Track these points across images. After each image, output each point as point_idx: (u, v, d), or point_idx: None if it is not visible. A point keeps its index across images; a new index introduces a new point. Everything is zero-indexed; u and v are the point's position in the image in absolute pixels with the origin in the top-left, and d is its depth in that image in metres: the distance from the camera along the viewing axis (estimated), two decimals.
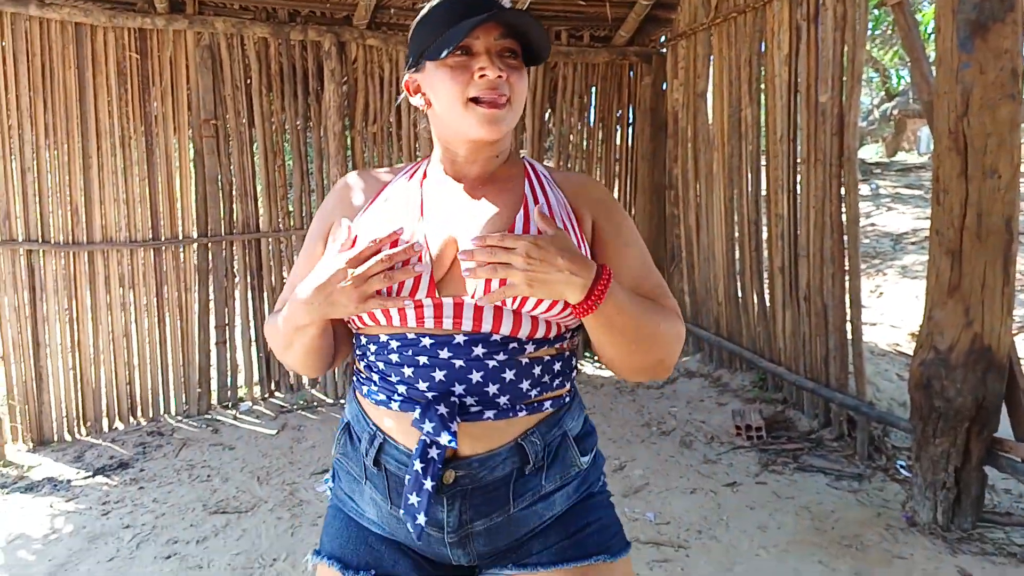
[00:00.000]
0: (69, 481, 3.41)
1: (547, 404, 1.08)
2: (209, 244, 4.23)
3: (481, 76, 1.04)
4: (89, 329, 3.96)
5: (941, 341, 2.63)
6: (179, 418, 4.16)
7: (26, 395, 3.82)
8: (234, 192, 4.28)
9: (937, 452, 2.72)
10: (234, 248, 4.31)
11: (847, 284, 3.39)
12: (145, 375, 4.12)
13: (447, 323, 1.03)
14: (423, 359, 1.04)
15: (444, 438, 1.00)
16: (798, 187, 3.67)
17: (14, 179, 3.74)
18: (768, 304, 4.04)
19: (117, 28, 3.89)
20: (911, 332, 5.06)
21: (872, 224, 8.32)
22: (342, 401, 4.37)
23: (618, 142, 5.11)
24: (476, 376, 1.03)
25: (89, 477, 3.44)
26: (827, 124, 3.36)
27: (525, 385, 1.05)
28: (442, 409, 1.01)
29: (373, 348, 1.09)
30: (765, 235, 4.09)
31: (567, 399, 1.12)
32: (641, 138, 5.07)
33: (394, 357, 1.06)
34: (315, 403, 4.35)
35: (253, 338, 4.38)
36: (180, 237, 4.15)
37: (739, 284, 4.31)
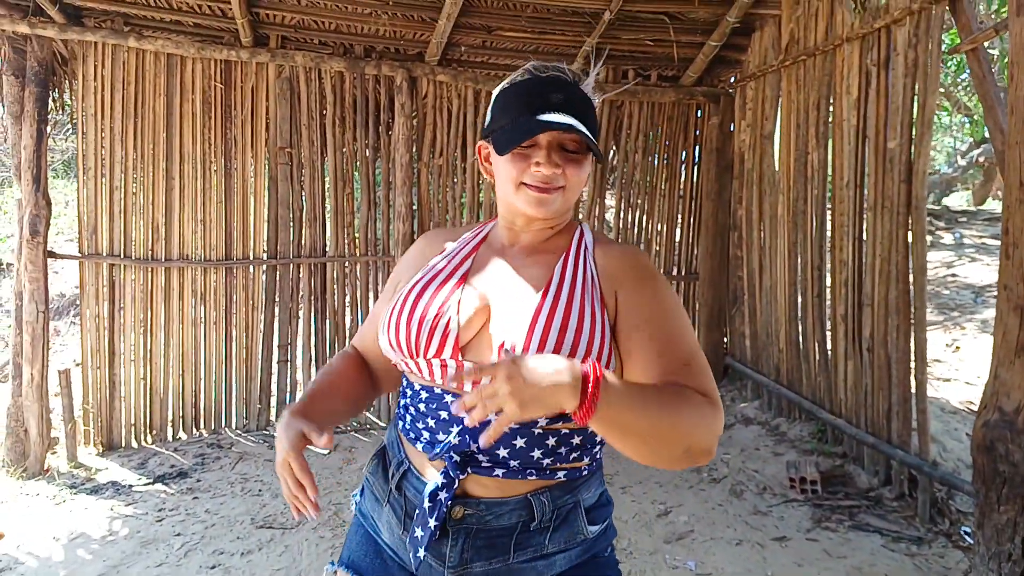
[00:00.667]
0: (131, 486, 3.57)
1: (560, 474, 1.11)
2: (277, 266, 4.41)
3: (536, 169, 1.11)
4: (161, 341, 4.17)
5: (1007, 402, 2.49)
6: (238, 432, 4.30)
7: (100, 401, 4.04)
8: (304, 217, 4.45)
9: (1002, 520, 2.55)
10: (300, 271, 4.47)
11: (913, 336, 3.26)
12: (210, 388, 4.30)
13: (468, 386, 1.08)
14: (444, 414, 1.11)
15: (442, 495, 1.07)
16: (864, 234, 3.56)
17: (103, 197, 4.01)
18: (830, 353, 3.90)
19: (204, 59, 4.14)
20: None
21: (954, 275, 7.94)
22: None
23: (683, 180, 5.09)
24: None
25: (149, 484, 3.60)
26: (895, 171, 3.27)
27: (537, 454, 1.08)
28: (456, 458, 1.08)
29: (410, 392, 1.17)
30: (828, 282, 3.97)
31: (584, 472, 1.13)
32: (706, 178, 5.03)
33: (422, 406, 1.14)
34: (368, 426, 4.43)
35: (314, 358, 4.51)
36: (251, 258, 4.34)
37: (800, 330, 4.18)
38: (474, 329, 1.10)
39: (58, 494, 3.49)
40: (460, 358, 1.09)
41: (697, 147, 5.06)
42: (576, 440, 1.11)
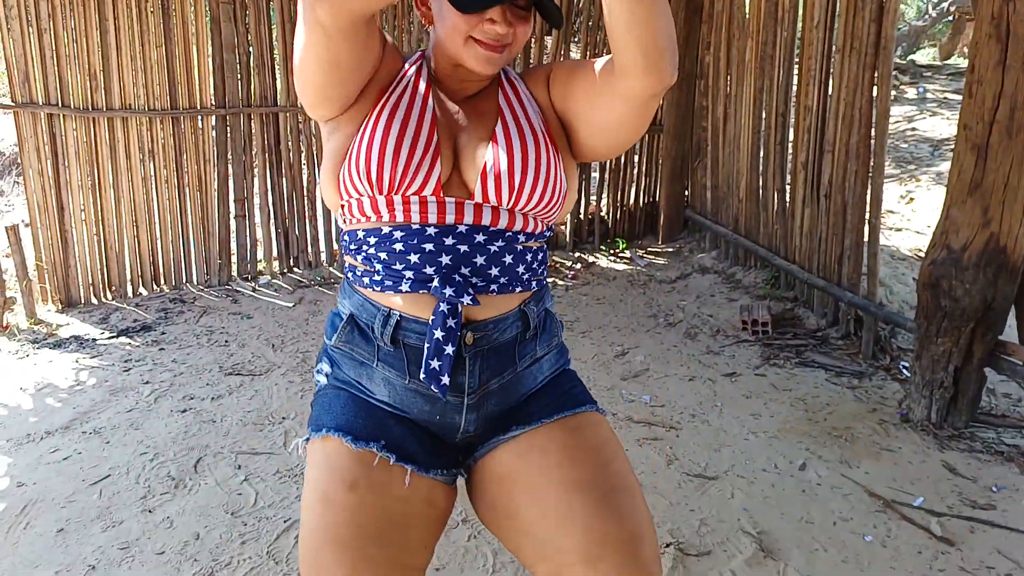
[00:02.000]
0: (94, 340, 3.57)
1: (533, 284, 1.22)
2: (227, 116, 4.22)
3: (490, 25, 1.07)
4: (111, 197, 4.04)
5: (955, 240, 2.58)
6: (200, 287, 4.28)
7: (53, 259, 3.95)
8: (252, 63, 4.22)
9: (939, 351, 2.71)
10: (252, 122, 4.29)
11: (870, 183, 3.30)
12: (167, 245, 4.22)
13: (449, 218, 1.11)
14: (429, 246, 1.10)
15: (466, 299, 1.09)
16: (831, 79, 3.51)
17: (31, 41, 3.72)
18: (788, 202, 3.96)
19: None
20: None
21: (914, 129, 7.99)
22: None
23: None
24: (480, 260, 1.12)
25: (113, 337, 3.60)
26: (866, 9, 3.17)
27: (520, 269, 1.17)
28: (458, 276, 1.10)
29: (373, 240, 1.13)
30: (791, 130, 3.96)
31: (545, 282, 1.28)
32: (675, 21, 4.84)
33: (398, 247, 1.11)
34: (332, 280, 4.44)
35: (272, 214, 4.43)
36: (199, 107, 4.14)
37: (761, 180, 4.21)
38: (449, 165, 1.12)
39: (20, 349, 3.48)
40: (441, 195, 1.11)
41: None
42: (540, 256, 1.24)
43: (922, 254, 4.69)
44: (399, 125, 1.09)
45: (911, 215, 5.69)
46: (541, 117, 1.18)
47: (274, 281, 4.39)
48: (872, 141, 3.27)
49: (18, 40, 3.69)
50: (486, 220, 1.12)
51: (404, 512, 1.07)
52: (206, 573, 1.98)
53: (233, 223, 4.38)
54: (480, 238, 1.12)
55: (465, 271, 1.12)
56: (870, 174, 3.29)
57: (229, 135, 4.25)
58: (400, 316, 1.13)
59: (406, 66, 1.19)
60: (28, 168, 3.85)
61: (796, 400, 3.00)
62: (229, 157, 4.29)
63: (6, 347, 3.50)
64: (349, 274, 1.21)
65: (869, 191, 3.29)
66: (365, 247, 1.15)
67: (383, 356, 1.15)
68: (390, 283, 1.13)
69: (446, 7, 1.08)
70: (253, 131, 4.31)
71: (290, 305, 4.03)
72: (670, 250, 5.04)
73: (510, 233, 1.15)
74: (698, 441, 2.69)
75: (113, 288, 4.15)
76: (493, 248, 1.13)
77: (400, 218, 1.11)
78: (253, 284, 4.34)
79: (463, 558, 2.06)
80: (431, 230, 1.11)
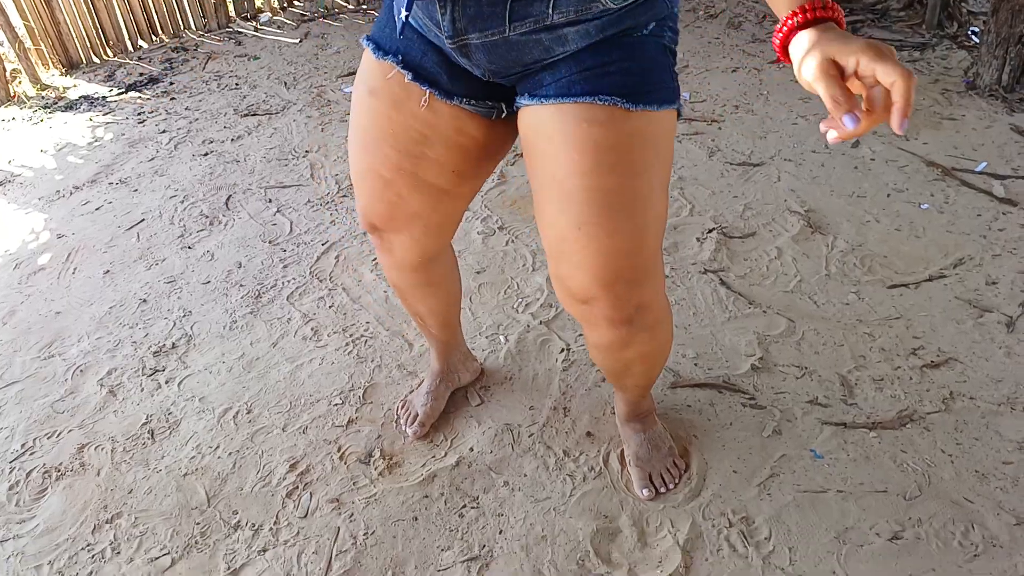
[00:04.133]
0: (104, 98, 3.43)
1: None
2: None
3: None
4: None
5: None
6: (200, 33, 4.01)
7: (41, 20, 3.68)
8: None
9: (1018, 2, 2.38)
10: None
11: None
12: None
13: None
14: None
15: None
16: None
17: None
18: None
19: None
20: None
21: None
22: (364, 7, 4.09)
23: None
24: None
25: (122, 93, 3.45)
26: None
27: None
28: None
29: None
30: None
31: None
32: None
33: None
34: (336, 10, 4.09)
35: None
36: None
37: None
38: None
39: (33, 115, 3.37)
40: None
41: None
42: None
43: None
44: None
45: None
46: None
47: (276, 19, 4.07)
48: None
49: None
50: None
51: (425, 130, 1.06)
52: (253, 295, 2.02)
53: None
54: None
55: None
56: None
57: None
58: None
59: None
60: None
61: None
62: None
63: (18, 115, 3.40)
64: None
65: None
66: None
67: None
68: None
69: None
70: None
71: (296, 41, 3.76)
72: None
73: None
74: (742, 131, 2.52)
75: (111, 44, 3.90)
76: None
77: None
78: (254, 24, 4.03)
79: (503, 260, 2.05)
80: None
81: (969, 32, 2.97)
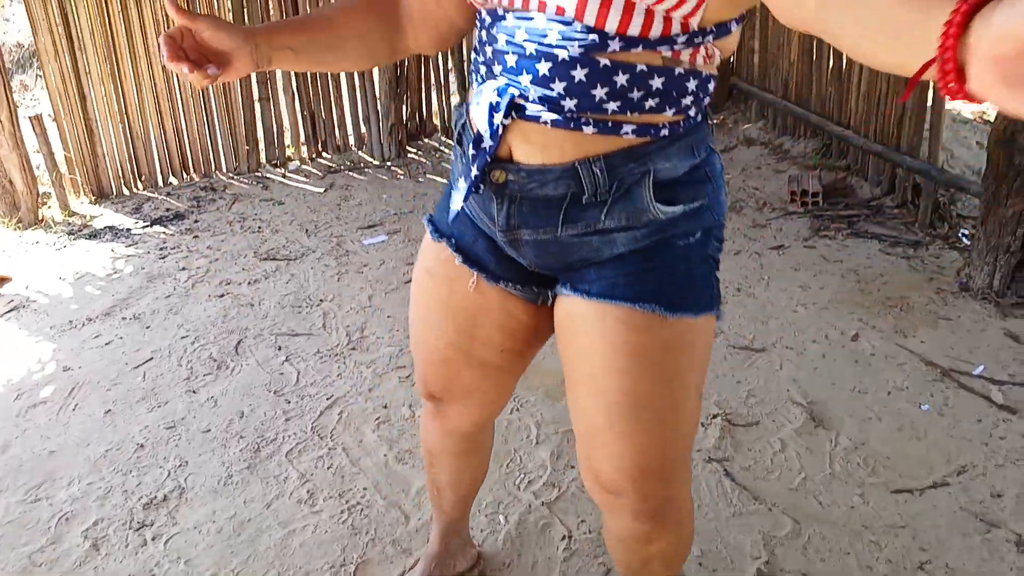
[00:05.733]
0: (129, 230, 3.55)
1: (628, 129, 0.89)
2: None
3: None
4: (132, 84, 3.91)
5: None
6: (230, 175, 4.21)
7: (80, 149, 3.89)
8: None
9: (1007, 214, 2.53)
10: None
11: None
12: (193, 132, 4.12)
13: (532, 2, 0.87)
14: (502, 39, 0.91)
15: (483, 126, 0.92)
16: None
17: None
18: (844, 60, 3.67)
19: None
20: None
21: None
22: (389, 163, 4.32)
23: None
24: (543, 67, 0.87)
25: (147, 227, 3.58)
26: None
27: (600, 93, 0.86)
28: (492, 98, 0.91)
29: (478, 23, 1.00)
30: None
31: (662, 131, 0.90)
32: None
33: (483, 34, 0.96)
34: (362, 164, 4.32)
35: (296, 94, 4.27)
36: None
37: (814, 39, 3.89)
38: None
39: (57, 241, 3.48)
40: None
41: None
42: (658, 82, 0.87)
43: (987, 117, 4.38)
44: None
45: None
46: None
47: (303, 167, 4.29)
48: None
49: None
50: (569, 7, 0.82)
51: (475, 311, 1.11)
52: (252, 449, 2.00)
53: (258, 107, 4.24)
54: (552, 37, 0.85)
55: (526, 79, 0.88)
56: None
57: (246, 8, 4.04)
58: (465, 120, 1.02)
59: None
60: (44, 56, 3.73)
61: (848, 271, 2.87)
62: None
63: (43, 239, 3.51)
64: None
65: None
66: (477, 27, 1.01)
67: (458, 155, 1.06)
68: (472, 75, 1.02)
69: None
70: (271, 5, 4.09)
71: (321, 190, 3.94)
72: (714, 122, 4.78)
73: (595, 35, 0.83)
74: (744, 314, 2.60)
75: (143, 178, 4.09)
76: (562, 55, 0.85)
77: None
78: (283, 170, 4.24)
79: (506, 430, 2.04)
80: (509, 18, 0.89)
81: (960, 233, 3.13)
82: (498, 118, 0.90)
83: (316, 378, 2.31)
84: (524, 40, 0.88)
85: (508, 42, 0.90)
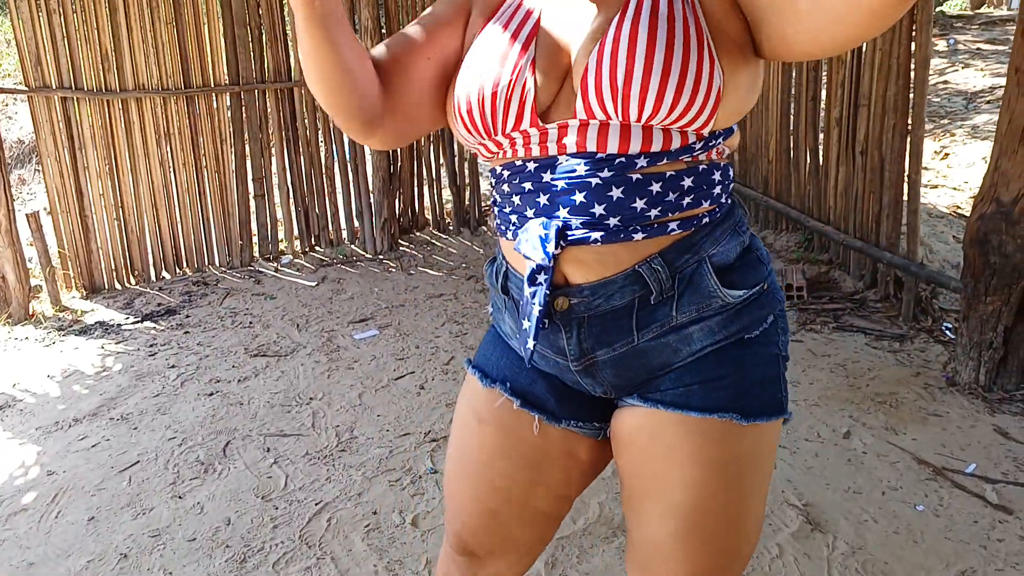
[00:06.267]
0: (119, 325, 3.55)
1: (673, 226, 0.94)
2: (242, 93, 4.14)
3: None
4: (130, 181, 4.00)
5: (1005, 192, 2.44)
6: (223, 269, 4.25)
7: (75, 245, 3.93)
8: (264, 38, 4.13)
9: (987, 311, 2.59)
10: (267, 98, 4.21)
11: (909, 136, 3.15)
12: (188, 227, 4.19)
13: (551, 149, 0.93)
14: (528, 185, 0.96)
15: (537, 255, 0.93)
16: None
17: (41, 23, 3.66)
18: (821, 160, 3.81)
19: None
20: (974, 195, 4.77)
21: (946, 82, 7.70)
22: (381, 256, 4.39)
23: None
24: (579, 197, 0.92)
25: (138, 322, 3.58)
26: None
27: (640, 204, 0.92)
28: (539, 231, 0.94)
29: (494, 180, 1.04)
30: (824, 86, 3.80)
31: (704, 220, 0.95)
32: None
33: (506, 187, 1.00)
34: (355, 258, 4.38)
35: (291, 192, 4.37)
36: (212, 85, 4.07)
37: (792, 139, 4.06)
38: (554, 89, 0.93)
39: (46, 337, 3.47)
40: (541, 124, 0.93)
41: None
42: (687, 181, 0.93)
43: (961, 211, 4.53)
44: (483, 56, 0.96)
45: (947, 171, 5.49)
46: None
47: (296, 261, 4.35)
48: (911, 93, 3.11)
49: (28, 22, 3.64)
50: (590, 144, 0.90)
51: (536, 456, 1.06)
52: (238, 559, 1.95)
53: (252, 203, 4.33)
54: (581, 170, 0.91)
55: (563, 212, 0.93)
56: (908, 127, 3.14)
57: (244, 112, 4.18)
58: (507, 267, 1.04)
59: None
60: (45, 154, 3.82)
61: (836, 366, 2.90)
62: (245, 135, 4.22)
63: (32, 335, 3.49)
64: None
65: (908, 145, 3.15)
66: (493, 184, 1.05)
67: (505, 304, 1.07)
68: (503, 228, 1.04)
69: None
70: (268, 107, 4.24)
71: (313, 284, 3.98)
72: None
73: (621, 159, 0.91)
74: None
75: (136, 273, 4.12)
76: (595, 181, 0.91)
77: (508, 154, 0.97)
78: (275, 264, 4.29)
79: None
80: (531, 165, 0.95)
81: (943, 327, 3.19)
82: (551, 247, 0.93)
83: (305, 482, 2.28)
84: (552, 179, 0.93)
85: (535, 186, 0.95)
